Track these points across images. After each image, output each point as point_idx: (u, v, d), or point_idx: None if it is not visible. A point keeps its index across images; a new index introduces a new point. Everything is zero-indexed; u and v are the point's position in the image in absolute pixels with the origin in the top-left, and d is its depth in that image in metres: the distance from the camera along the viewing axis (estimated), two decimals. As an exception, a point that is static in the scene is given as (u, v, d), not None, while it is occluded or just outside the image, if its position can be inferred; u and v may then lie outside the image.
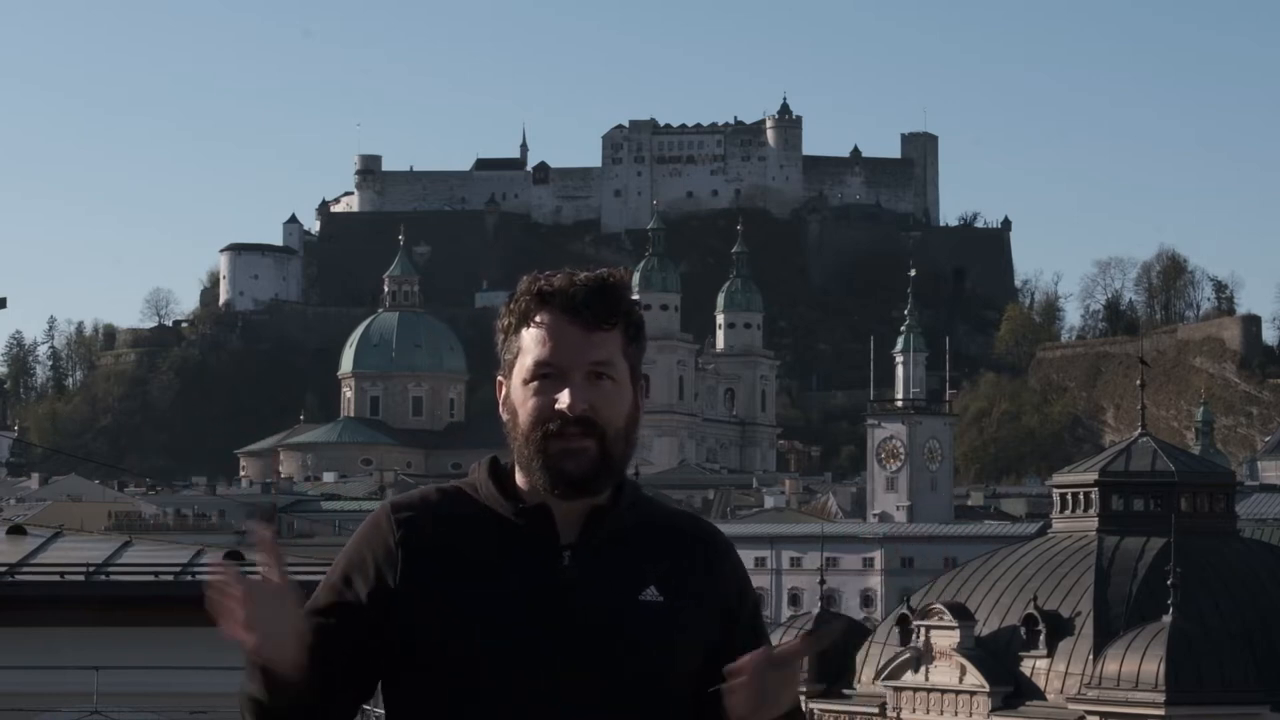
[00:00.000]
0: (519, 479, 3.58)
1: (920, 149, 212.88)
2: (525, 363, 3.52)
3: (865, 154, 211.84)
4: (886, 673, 51.20)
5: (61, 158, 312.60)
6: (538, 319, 3.52)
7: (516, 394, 3.54)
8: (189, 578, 12.75)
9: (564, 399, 3.48)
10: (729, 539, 3.73)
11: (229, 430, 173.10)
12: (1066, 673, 48.20)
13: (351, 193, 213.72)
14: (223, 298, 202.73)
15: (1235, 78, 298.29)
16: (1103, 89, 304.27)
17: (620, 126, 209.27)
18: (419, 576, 3.51)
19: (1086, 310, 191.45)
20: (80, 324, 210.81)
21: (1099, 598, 49.47)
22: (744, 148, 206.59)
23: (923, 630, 50.73)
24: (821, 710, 51.79)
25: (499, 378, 3.60)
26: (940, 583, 54.90)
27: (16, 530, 15.09)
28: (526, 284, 3.55)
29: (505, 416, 3.58)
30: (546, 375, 3.51)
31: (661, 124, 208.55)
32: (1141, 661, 45.34)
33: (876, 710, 51.39)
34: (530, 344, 3.52)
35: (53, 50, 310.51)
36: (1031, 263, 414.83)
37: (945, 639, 50.22)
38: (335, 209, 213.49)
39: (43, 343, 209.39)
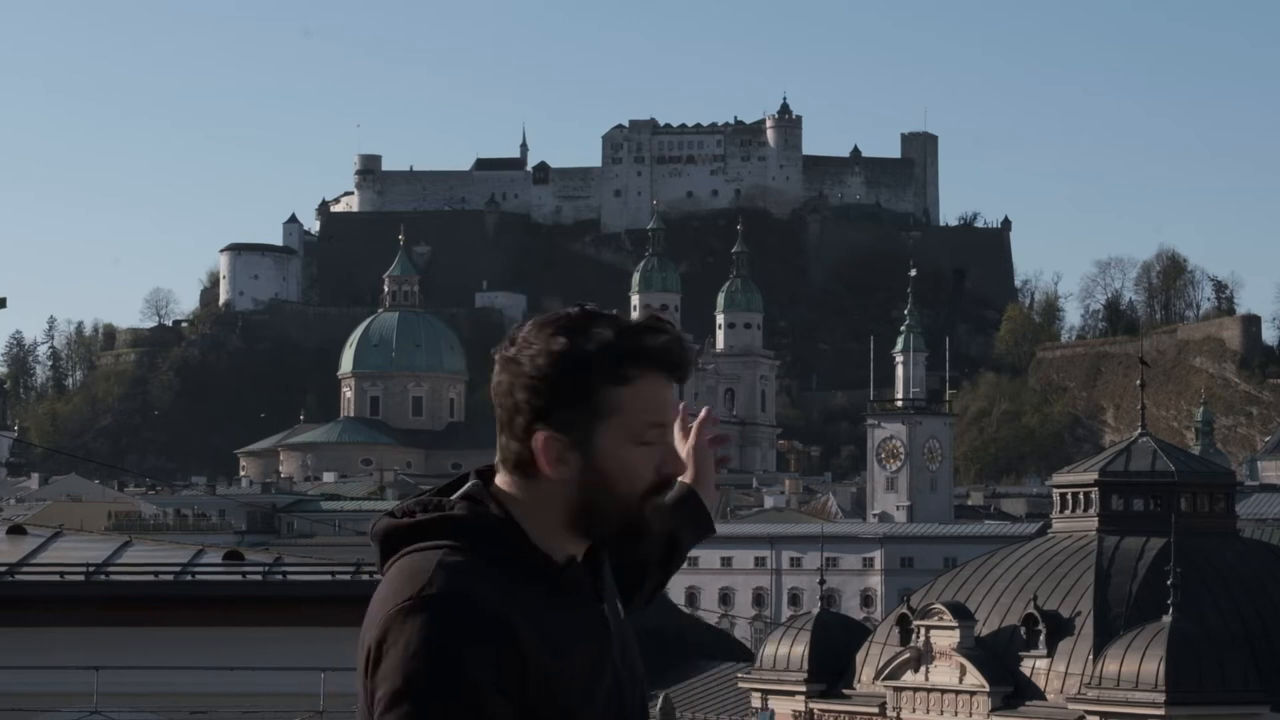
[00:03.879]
0: (526, 526, 3.35)
1: (920, 149, 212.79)
2: (632, 421, 3.32)
3: (865, 154, 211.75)
4: (886, 673, 51.16)
5: (61, 158, 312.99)
6: (641, 376, 3.32)
7: (626, 454, 3.32)
8: (189, 578, 12.75)
9: (678, 461, 3.40)
10: None
11: (229, 430, 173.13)
12: (1066, 673, 48.17)
13: (351, 193, 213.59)
14: (223, 298, 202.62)
15: (1235, 78, 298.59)
16: (1103, 89, 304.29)
17: (620, 126, 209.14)
18: (528, 673, 3.25)
19: (1086, 310, 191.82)
20: (80, 324, 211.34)
21: (1099, 598, 49.45)
22: (744, 148, 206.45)
23: (923, 630, 50.70)
24: (821, 710, 51.79)
25: (552, 433, 3.31)
26: (940, 583, 54.85)
27: (16, 530, 15.10)
28: (612, 337, 3.31)
29: (590, 475, 3.33)
30: (652, 438, 3.38)
31: (661, 124, 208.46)
32: (1141, 661, 45.30)
33: (876, 710, 51.36)
34: (635, 402, 3.32)
35: (53, 50, 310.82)
36: (1031, 263, 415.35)
37: (945, 639, 50.19)
38: (335, 209, 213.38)
39: (43, 343, 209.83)
